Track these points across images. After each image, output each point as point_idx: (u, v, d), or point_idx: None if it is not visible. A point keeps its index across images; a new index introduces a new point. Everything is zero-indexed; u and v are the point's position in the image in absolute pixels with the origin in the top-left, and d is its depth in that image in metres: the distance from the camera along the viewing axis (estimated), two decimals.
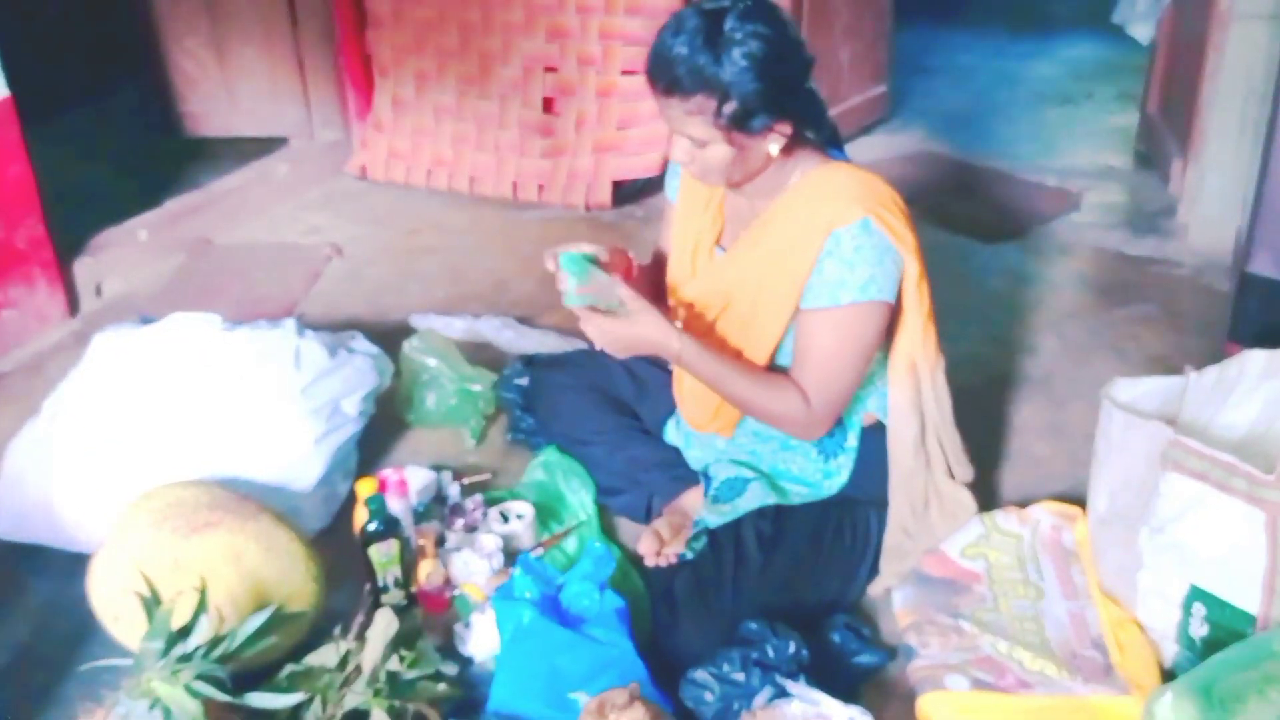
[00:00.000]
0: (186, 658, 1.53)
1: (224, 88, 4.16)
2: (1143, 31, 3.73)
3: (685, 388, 2.01)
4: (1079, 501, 2.05)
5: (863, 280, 1.72)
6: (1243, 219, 2.78)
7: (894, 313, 1.82)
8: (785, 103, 1.67)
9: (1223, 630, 1.66)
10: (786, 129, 1.70)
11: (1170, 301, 3.01)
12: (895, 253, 1.74)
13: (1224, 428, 1.87)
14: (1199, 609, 1.70)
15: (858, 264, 1.71)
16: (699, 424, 2.01)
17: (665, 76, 1.64)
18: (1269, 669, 1.41)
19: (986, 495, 2.06)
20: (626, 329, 1.77)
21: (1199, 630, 1.70)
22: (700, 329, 1.91)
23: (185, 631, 1.56)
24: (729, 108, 1.63)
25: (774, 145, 1.71)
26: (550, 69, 3.75)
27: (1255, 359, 1.87)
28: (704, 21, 1.62)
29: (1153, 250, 3.32)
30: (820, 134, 1.81)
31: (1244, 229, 2.64)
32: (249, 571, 1.73)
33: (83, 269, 3.10)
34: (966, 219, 3.51)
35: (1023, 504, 2.11)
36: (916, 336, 1.86)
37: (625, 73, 3.64)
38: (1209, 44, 3.22)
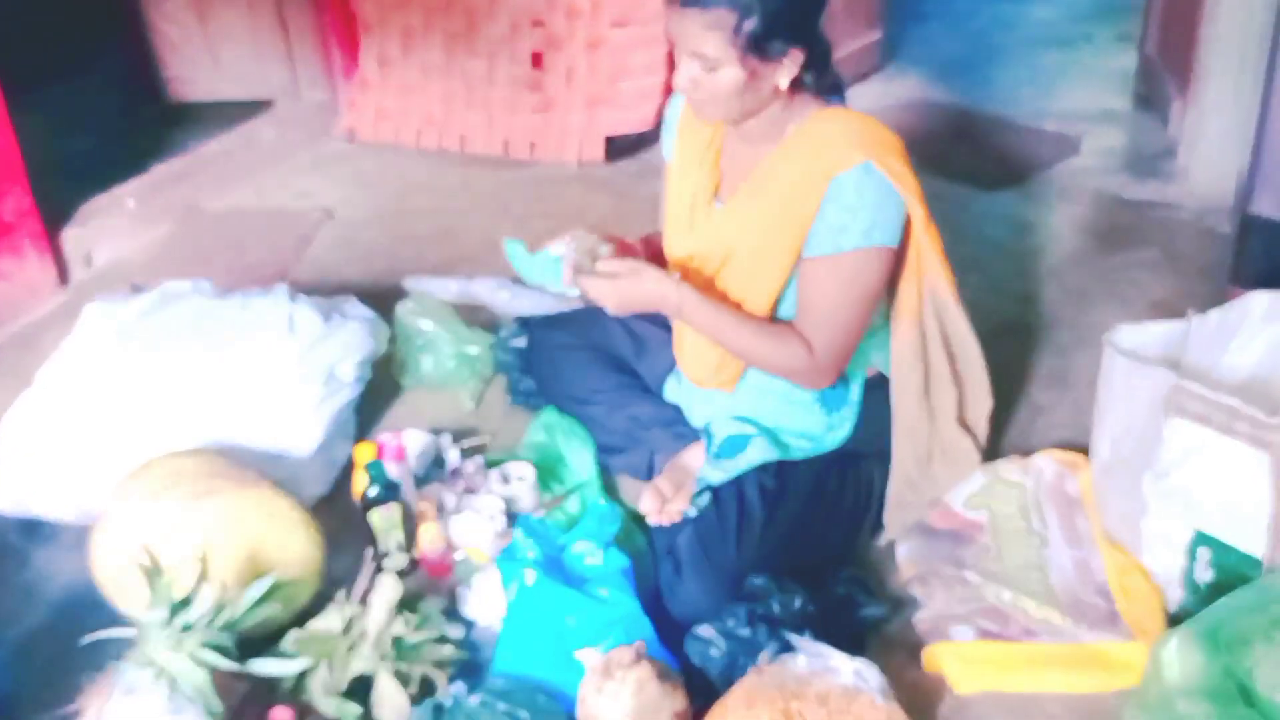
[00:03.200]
0: (189, 627, 1.53)
1: (206, 51, 4.10)
2: None
3: (686, 345, 2.00)
4: (1082, 449, 2.05)
5: (865, 225, 1.70)
6: (1244, 160, 2.76)
7: (897, 259, 1.80)
8: (804, 29, 1.66)
9: (1228, 574, 1.67)
10: (799, 58, 1.68)
11: (1171, 245, 2.99)
12: (897, 197, 1.72)
13: (1227, 371, 1.87)
14: (1204, 554, 1.70)
15: (860, 209, 1.70)
16: (700, 380, 2.00)
17: None
18: (1276, 612, 1.41)
19: (990, 445, 2.06)
20: (627, 286, 1.76)
21: (1204, 575, 1.71)
22: (700, 284, 1.89)
23: (187, 601, 1.56)
24: (749, 24, 1.60)
25: (784, 77, 1.69)
26: (538, 23, 3.70)
27: (1258, 301, 1.87)
28: None
29: (1153, 194, 3.29)
30: (824, 79, 1.79)
31: (1245, 170, 2.62)
32: (250, 539, 1.73)
33: (71, 239, 3.07)
34: (965, 167, 3.48)
35: (1026, 453, 2.11)
36: (927, 278, 1.86)
37: (615, 25, 3.59)
38: None
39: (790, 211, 1.74)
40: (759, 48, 1.63)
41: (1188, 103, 3.40)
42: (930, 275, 1.86)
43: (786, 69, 1.68)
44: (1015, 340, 2.55)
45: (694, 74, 1.67)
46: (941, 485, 1.97)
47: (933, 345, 1.90)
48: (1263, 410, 1.60)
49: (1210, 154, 3.23)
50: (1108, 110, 3.98)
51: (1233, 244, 2.58)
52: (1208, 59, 3.21)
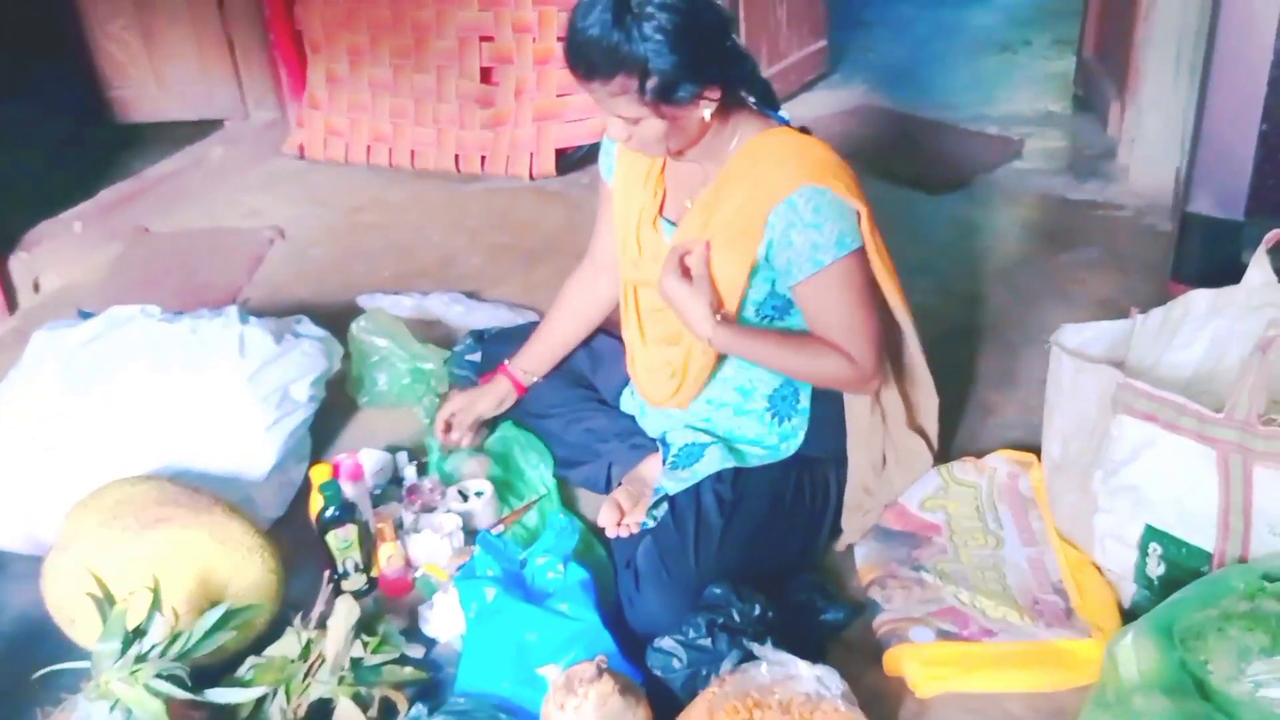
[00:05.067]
0: (144, 657, 1.51)
1: (152, 71, 4.06)
2: None
3: (639, 364, 2.01)
4: (1034, 448, 2.07)
5: (835, 236, 1.73)
6: (1182, 159, 2.81)
7: None
8: (707, 68, 1.67)
9: (1179, 569, 1.69)
10: (715, 93, 1.70)
11: (1114, 244, 3.04)
12: (847, 204, 1.75)
13: (1171, 368, 1.89)
14: (1155, 549, 1.72)
15: (824, 224, 1.72)
16: (657, 400, 2.00)
17: (583, 62, 1.64)
18: (1228, 606, 1.42)
19: (942, 447, 2.07)
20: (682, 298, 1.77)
21: (1156, 570, 1.72)
22: (656, 305, 1.90)
23: (141, 631, 1.54)
24: (651, 84, 1.62)
25: (706, 110, 1.71)
26: (486, 38, 3.70)
27: (1199, 299, 1.89)
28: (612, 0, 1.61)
29: (1095, 194, 3.35)
30: (753, 90, 1.81)
31: (1183, 169, 2.66)
32: (203, 566, 1.71)
33: (18, 265, 3.03)
34: (910, 171, 3.52)
35: (978, 454, 2.13)
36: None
37: (562, 39, 3.59)
38: None
39: (740, 233, 1.76)
40: (668, 98, 1.65)
41: (1126, 104, 3.46)
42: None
43: (705, 104, 1.70)
44: (964, 341, 2.58)
45: (621, 126, 1.71)
46: (896, 488, 1.99)
47: None
48: (1207, 406, 1.62)
49: (1149, 154, 3.28)
50: (1048, 113, 4.06)
51: (1173, 241, 2.62)
52: (1144, 61, 3.26)
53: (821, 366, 1.82)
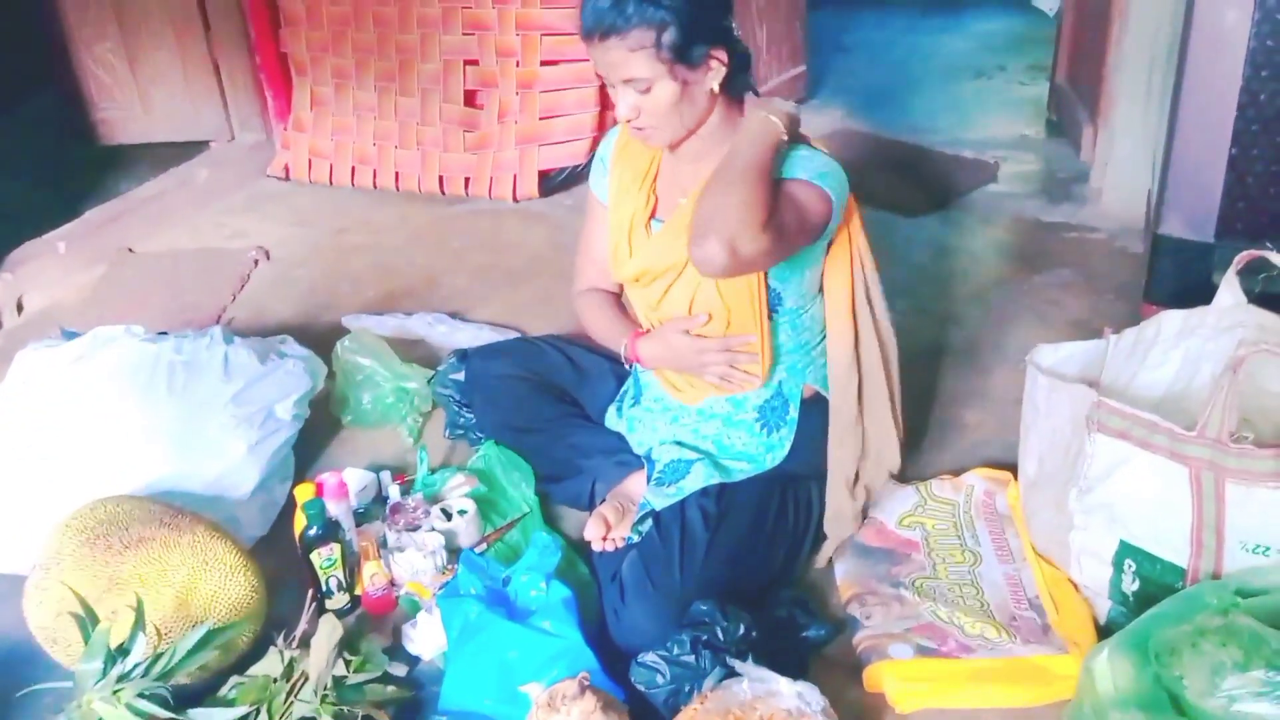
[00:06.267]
0: (126, 676, 1.51)
1: (137, 93, 4.08)
2: (1048, 3, 3.81)
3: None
4: (1010, 466, 2.09)
5: (819, 168, 1.78)
6: (1153, 182, 2.85)
7: (829, 251, 1.89)
8: (719, 26, 1.73)
9: (1153, 584, 1.70)
10: (723, 57, 1.74)
11: (1087, 266, 3.07)
12: (844, 175, 1.80)
13: (1144, 387, 1.91)
14: (1129, 565, 1.73)
15: (816, 159, 1.79)
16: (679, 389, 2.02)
17: (602, 20, 1.67)
18: (1201, 621, 1.43)
19: (919, 464, 2.10)
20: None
21: (1130, 585, 1.74)
22: (650, 301, 1.94)
23: (124, 650, 1.54)
24: (669, 36, 1.67)
25: (714, 80, 1.75)
26: (470, 62, 3.73)
27: (1171, 319, 1.92)
28: None
29: (1068, 216, 3.39)
30: (748, 84, 1.85)
31: (1154, 192, 2.70)
32: (185, 585, 1.71)
33: (2, 285, 3.03)
34: (888, 194, 3.55)
35: (955, 472, 2.15)
36: (858, 269, 1.93)
37: (546, 63, 3.63)
38: (1113, 12, 3.29)
39: None
40: (683, 56, 1.69)
41: (1098, 129, 3.51)
42: (858, 265, 1.93)
43: (715, 71, 1.75)
44: (941, 361, 2.61)
45: (632, 100, 1.73)
46: (872, 480, 2.01)
47: (867, 344, 1.95)
48: (1180, 424, 1.64)
49: (1121, 177, 3.33)
50: (1022, 137, 4.11)
51: (1145, 263, 2.65)
52: (1116, 86, 3.31)
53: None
